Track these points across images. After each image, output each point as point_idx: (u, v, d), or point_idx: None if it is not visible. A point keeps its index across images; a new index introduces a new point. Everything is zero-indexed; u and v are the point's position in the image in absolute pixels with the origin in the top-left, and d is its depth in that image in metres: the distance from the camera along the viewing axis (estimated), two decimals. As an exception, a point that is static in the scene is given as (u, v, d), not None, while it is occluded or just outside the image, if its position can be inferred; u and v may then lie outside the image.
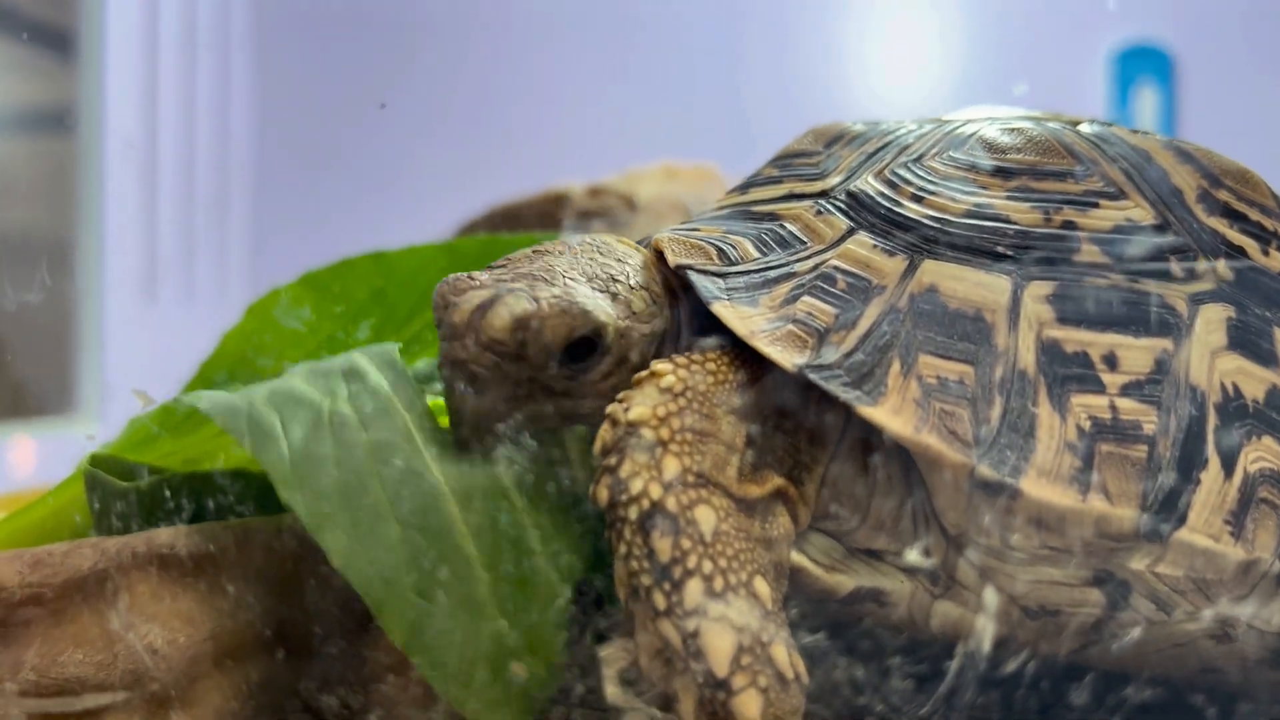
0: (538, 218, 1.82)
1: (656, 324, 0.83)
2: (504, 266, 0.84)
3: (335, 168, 2.67)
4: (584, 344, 0.78)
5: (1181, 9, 2.69)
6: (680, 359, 0.76)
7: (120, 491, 0.92)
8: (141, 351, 2.42)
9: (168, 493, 0.93)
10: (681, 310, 0.86)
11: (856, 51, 2.81)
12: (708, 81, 2.68)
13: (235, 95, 2.74)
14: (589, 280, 0.83)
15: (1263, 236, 0.86)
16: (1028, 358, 0.75)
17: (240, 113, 2.74)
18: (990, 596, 0.77)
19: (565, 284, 0.81)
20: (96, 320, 2.40)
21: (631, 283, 0.84)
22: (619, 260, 0.86)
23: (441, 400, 0.91)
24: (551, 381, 0.79)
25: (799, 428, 0.77)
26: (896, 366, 0.74)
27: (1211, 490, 0.75)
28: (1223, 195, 0.87)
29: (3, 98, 2.52)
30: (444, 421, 0.81)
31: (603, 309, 0.79)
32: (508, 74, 2.69)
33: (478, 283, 0.80)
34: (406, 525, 0.73)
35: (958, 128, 0.90)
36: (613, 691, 0.98)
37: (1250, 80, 2.63)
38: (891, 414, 0.72)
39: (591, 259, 0.85)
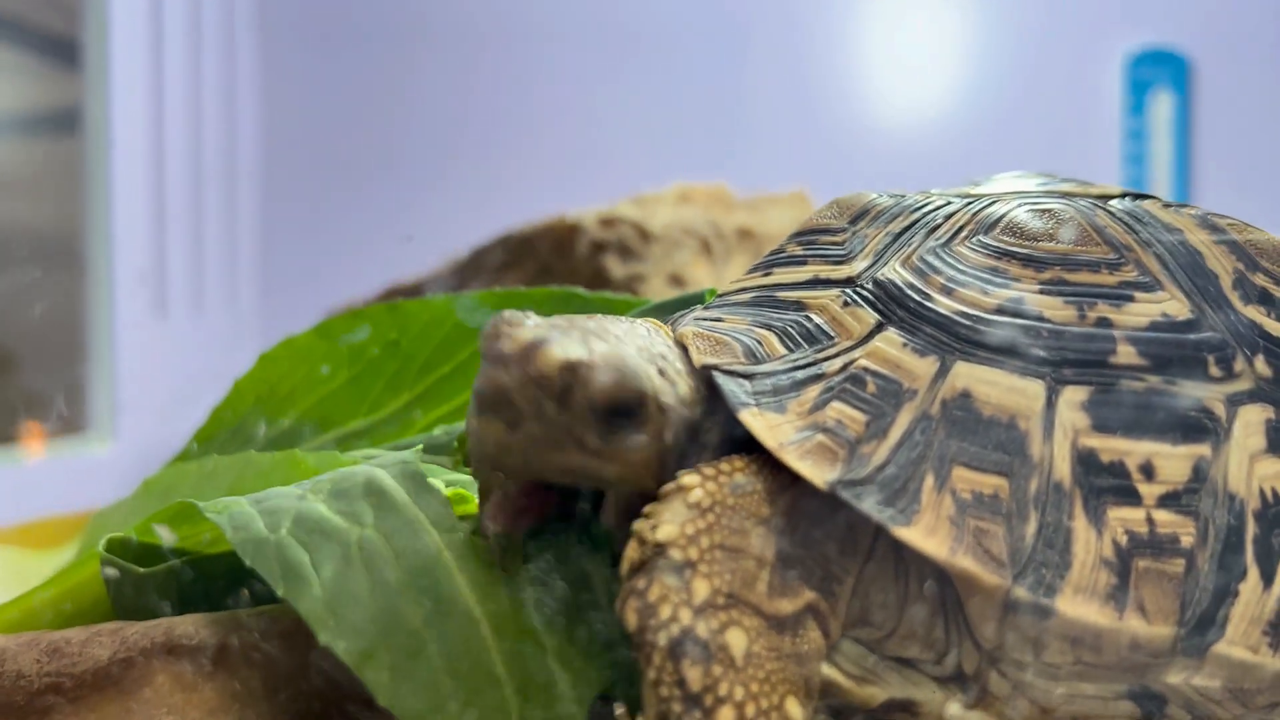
0: (551, 247, 1.80)
1: (694, 411, 0.81)
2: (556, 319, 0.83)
3: (344, 178, 2.66)
4: (625, 408, 0.76)
5: (1198, 13, 2.65)
6: (708, 470, 0.75)
7: (137, 578, 0.92)
8: (152, 367, 2.42)
9: (187, 579, 0.93)
10: (712, 400, 0.84)
11: (867, 54, 2.78)
12: (715, 89, 2.65)
13: (242, 107, 2.71)
14: (639, 350, 0.81)
15: (1301, 324, 0.85)
16: (1063, 469, 0.74)
17: (247, 123, 2.72)
18: (1023, 709, 0.76)
19: (617, 343, 0.79)
20: (107, 336, 2.39)
21: (679, 366, 0.82)
22: (668, 346, 0.85)
23: (460, 490, 0.90)
24: (584, 435, 0.76)
25: (829, 537, 0.76)
26: (930, 481, 0.72)
27: (1250, 601, 0.74)
28: (1260, 280, 0.86)
29: (7, 103, 2.51)
30: (474, 541, 0.81)
31: (651, 378, 0.78)
32: (519, 85, 2.67)
33: (532, 320, 0.79)
34: (447, 656, 0.74)
35: (987, 206, 0.88)
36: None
37: (1268, 87, 2.60)
38: (926, 534, 0.70)
39: (645, 334, 0.84)
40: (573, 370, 0.75)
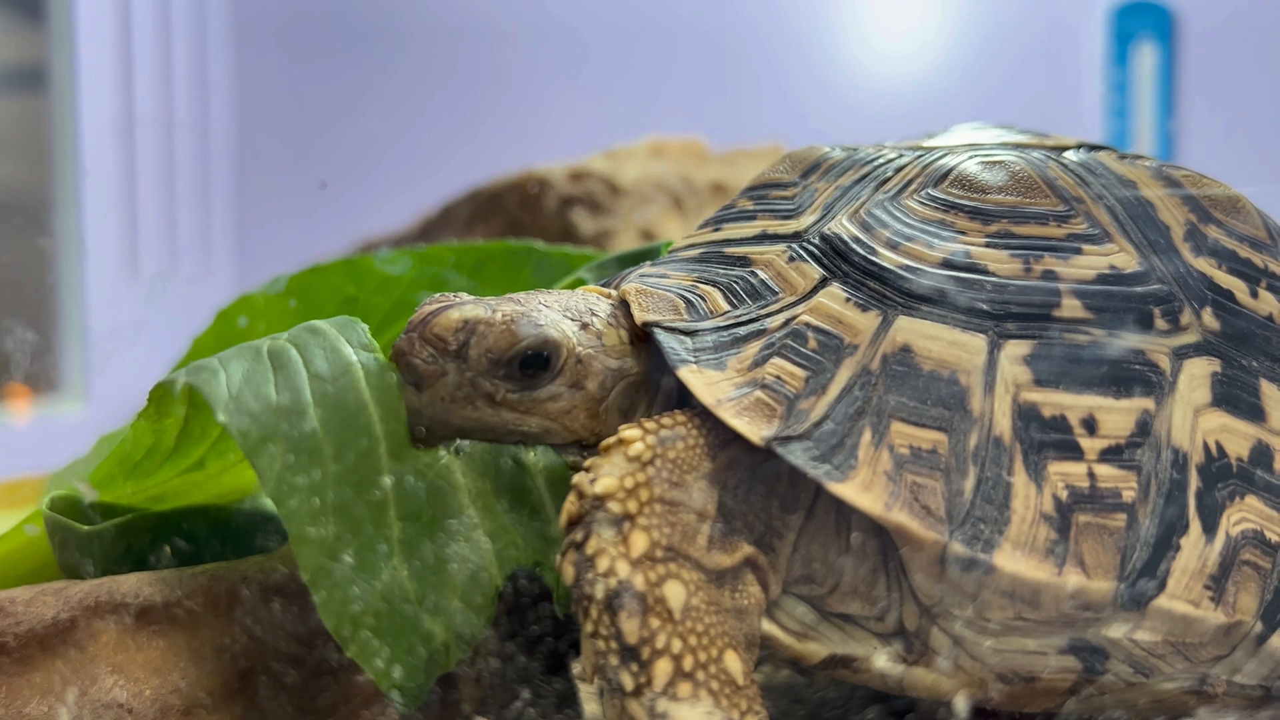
0: (519, 201, 1.78)
1: (627, 363, 0.82)
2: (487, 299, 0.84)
3: (318, 140, 2.62)
4: (535, 359, 0.78)
5: (1182, -37, 2.62)
6: (650, 424, 0.74)
7: (81, 536, 0.91)
8: (124, 328, 2.39)
9: (130, 537, 0.92)
10: (654, 358, 0.83)
11: (846, 5, 2.74)
12: (694, 49, 2.62)
13: (214, 58, 2.67)
14: (564, 311, 0.82)
15: (1252, 275, 0.84)
16: (1004, 423, 0.73)
17: (220, 77, 2.68)
18: (964, 664, 0.75)
19: (534, 307, 0.80)
20: (78, 297, 2.37)
21: (609, 318, 0.83)
22: (601, 303, 0.85)
23: None
24: (493, 391, 0.78)
25: (771, 493, 0.75)
26: (868, 436, 0.72)
27: (1192, 556, 0.73)
28: (1212, 231, 0.85)
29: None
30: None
31: (559, 329, 0.79)
32: (489, 36, 2.63)
33: (455, 297, 0.81)
34: (340, 460, 0.73)
35: (938, 159, 0.87)
36: (591, 710, 0.97)
37: (1253, 39, 2.57)
38: (861, 490, 0.70)
39: (582, 299, 0.85)
40: (470, 328, 0.77)
